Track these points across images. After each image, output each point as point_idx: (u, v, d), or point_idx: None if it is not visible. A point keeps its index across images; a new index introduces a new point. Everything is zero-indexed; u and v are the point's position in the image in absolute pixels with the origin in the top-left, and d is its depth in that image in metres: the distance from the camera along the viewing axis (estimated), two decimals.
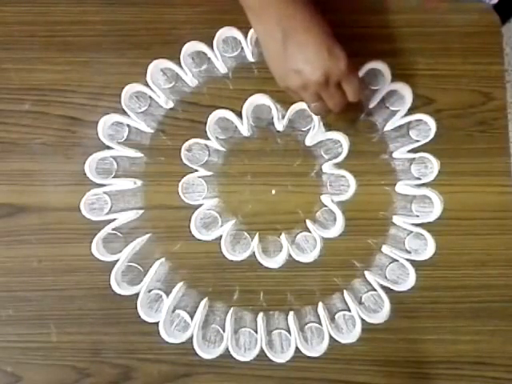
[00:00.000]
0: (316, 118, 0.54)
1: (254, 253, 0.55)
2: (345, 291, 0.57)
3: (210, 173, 0.57)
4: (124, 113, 0.57)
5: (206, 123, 0.55)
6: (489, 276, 0.57)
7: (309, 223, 0.57)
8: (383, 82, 0.56)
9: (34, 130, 0.58)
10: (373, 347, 0.56)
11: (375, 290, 0.56)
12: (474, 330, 0.57)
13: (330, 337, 0.55)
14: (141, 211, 0.57)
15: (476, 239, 0.57)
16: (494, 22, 0.60)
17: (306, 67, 0.46)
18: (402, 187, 0.57)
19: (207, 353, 0.53)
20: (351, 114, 0.58)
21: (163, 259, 0.57)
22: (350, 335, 0.55)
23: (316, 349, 0.54)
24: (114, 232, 0.56)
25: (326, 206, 0.57)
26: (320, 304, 0.56)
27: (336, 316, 0.56)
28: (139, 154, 0.58)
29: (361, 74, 0.57)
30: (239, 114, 0.56)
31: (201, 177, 0.57)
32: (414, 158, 0.57)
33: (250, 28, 0.55)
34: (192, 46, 0.57)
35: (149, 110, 0.58)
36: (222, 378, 0.56)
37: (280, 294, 0.57)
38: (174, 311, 0.56)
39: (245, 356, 0.54)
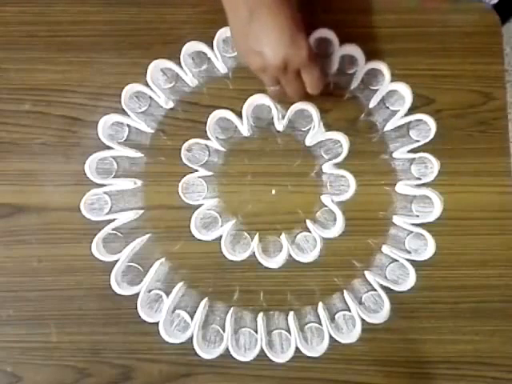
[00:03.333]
0: (316, 119, 0.54)
1: (254, 253, 0.55)
2: (345, 291, 0.57)
3: (210, 173, 0.57)
4: (124, 113, 0.57)
5: (206, 123, 0.55)
6: (489, 276, 0.57)
7: (309, 223, 0.57)
8: (383, 82, 0.56)
9: (34, 130, 0.58)
10: (373, 347, 0.56)
11: (375, 290, 0.56)
12: (473, 330, 0.57)
13: (330, 337, 0.55)
14: (141, 211, 0.57)
15: (476, 239, 0.57)
16: (494, 22, 0.60)
17: (267, 50, 0.46)
18: (402, 187, 0.57)
19: (207, 353, 0.53)
20: (351, 114, 0.58)
21: (163, 259, 0.57)
22: (350, 335, 0.55)
23: (316, 349, 0.54)
24: (114, 232, 0.56)
25: (326, 206, 0.57)
26: (320, 304, 0.56)
27: (336, 316, 0.56)
28: (139, 154, 0.58)
29: (361, 73, 0.57)
30: (239, 114, 0.56)
31: (201, 177, 0.57)
32: (414, 158, 0.57)
33: None
34: (192, 46, 0.57)
35: (149, 110, 0.58)
36: (222, 378, 0.56)
37: (280, 294, 0.57)
38: (174, 311, 0.56)
39: (245, 356, 0.54)
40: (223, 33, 0.56)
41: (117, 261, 0.55)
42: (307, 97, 0.52)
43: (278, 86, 0.50)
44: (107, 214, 0.56)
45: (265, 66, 0.47)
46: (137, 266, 0.57)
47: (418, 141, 0.57)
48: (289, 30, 0.46)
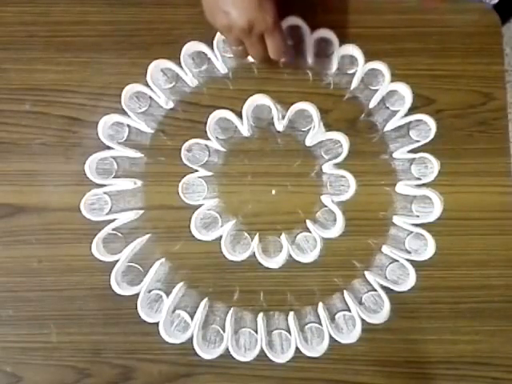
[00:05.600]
0: (316, 119, 0.54)
1: (254, 253, 0.55)
2: (345, 291, 0.57)
3: (210, 173, 0.57)
4: (124, 113, 0.57)
5: (206, 123, 0.55)
6: (489, 276, 0.57)
7: (309, 223, 0.57)
8: (383, 82, 0.56)
9: (34, 131, 0.58)
10: (373, 347, 0.56)
11: (375, 290, 0.56)
12: (473, 330, 0.57)
13: (330, 337, 0.55)
14: (141, 211, 0.57)
15: (476, 239, 0.57)
16: (494, 22, 0.60)
17: (233, 11, 0.48)
18: (402, 187, 0.57)
19: (207, 353, 0.53)
20: (351, 114, 0.58)
21: (163, 259, 0.57)
22: (350, 335, 0.55)
23: (316, 349, 0.54)
24: (114, 232, 0.56)
25: (326, 206, 0.57)
26: (320, 304, 0.56)
27: (336, 316, 0.56)
28: (139, 155, 0.58)
29: (361, 73, 0.57)
30: (239, 114, 0.56)
31: (201, 177, 0.57)
32: (414, 158, 0.57)
33: None
34: (192, 46, 0.57)
35: (149, 110, 0.58)
36: (222, 379, 0.56)
37: (280, 294, 0.57)
38: (174, 311, 0.56)
39: (245, 356, 0.54)
40: None
41: (117, 261, 0.55)
42: (269, 61, 0.53)
43: (242, 46, 0.52)
44: (107, 214, 0.56)
45: (230, 26, 0.49)
46: (137, 266, 0.57)
47: (418, 141, 0.57)
48: None
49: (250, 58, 0.56)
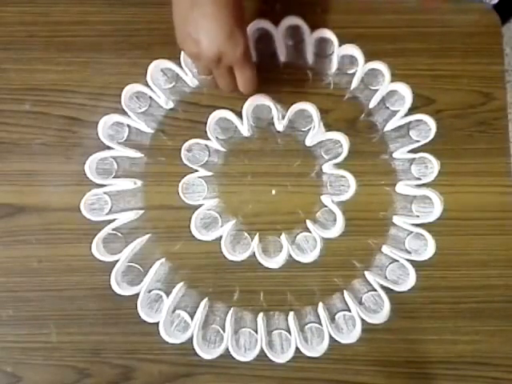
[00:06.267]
0: (316, 119, 0.54)
1: (254, 253, 0.55)
2: (345, 291, 0.57)
3: (210, 173, 0.57)
4: (124, 113, 0.57)
5: (206, 123, 0.55)
6: (489, 276, 0.57)
7: (309, 223, 0.57)
8: (383, 82, 0.56)
9: (34, 131, 0.58)
10: (373, 347, 0.56)
11: (375, 290, 0.56)
12: (473, 330, 0.57)
13: (330, 337, 0.55)
14: (141, 211, 0.57)
15: (476, 239, 0.57)
16: (494, 22, 0.60)
17: (203, 40, 0.46)
18: (402, 187, 0.57)
19: (207, 353, 0.53)
20: (351, 114, 0.58)
21: (163, 259, 0.57)
22: (350, 335, 0.55)
23: (316, 349, 0.54)
24: (114, 232, 0.56)
25: (326, 207, 0.57)
26: (320, 304, 0.56)
27: (336, 316, 0.56)
28: (139, 155, 0.58)
29: (361, 73, 0.57)
30: (239, 114, 0.56)
31: (201, 177, 0.57)
32: (414, 158, 0.57)
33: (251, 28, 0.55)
34: None
35: (149, 110, 0.58)
36: (222, 379, 0.56)
37: (280, 294, 0.57)
38: (174, 311, 0.56)
39: (245, 356, 0.54)
40: None
41: (117, 261, 0.55)
42: (238, 92, 0.52)
43: (211, 76, 0.51)
44: (107, 214, 0.56)
45: (199, 55, 0.47)
46: (137, 266, 0.57)
47: (418, 141, 0.57)
48: (228, 25, 0.46)
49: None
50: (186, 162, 0.56)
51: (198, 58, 0.48)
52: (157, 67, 0.56)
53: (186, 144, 0.56)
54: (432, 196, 0.56)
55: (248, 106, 0.55)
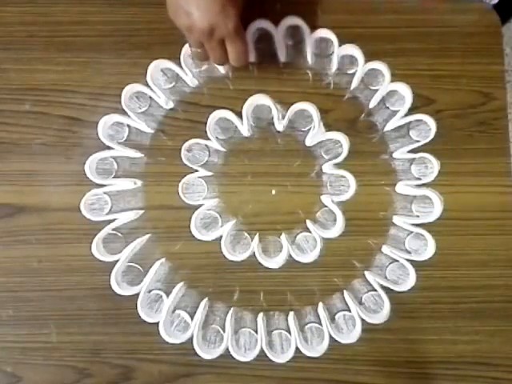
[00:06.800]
0: (316, 119, 0.54)
1: (254, 253, 0.55)
2: (345, 291, 0.57)
3: (210, 173, 0.57)
4: (124, 113, 0.57)
5: (206, 123, 0.55)
6: (489, 276, 0.57)
7: (309, 223, 0.57)
8: (383, 82, 0.56)
9: (34, 131, 0.58)
10: (373, 347, 0.56)
11: (375, 290, 0.56)
12: (473, 330, 0.57)
13: (330, 337, 0.55)
14: (141, 211, 0.57)
15: (476, 239, 0.57)
16: (494, 22, 0.60)
17: (195, 12, 0.47)
18: (402, 187, 0.57)
19: (207, 353, 0.53)
20: (351, 114, 0.58)
21: (163, 259, 0.57)
22: (350, 335, 0.55)
23: (316, 349, 0.54)
24: (114, 232, 0.56)
25: (326, 207, 0.57)
26: (320, 304, 0.56)
27: (336, 316, 0.56)
28: (139, 155, 0.58)
29: (361, 73, 0.57)
30: (239, 114, 0.56)
31: (201, 177, 0.57)
32: (414, 158, 0.57)
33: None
34: None
35: (149, 110, 0.58)
36: (222, 379, 0.56)
37: (280, 294, 0.57)
38: (174, 311, 0.56)
39: (245, 356, 0.54)
40: None
41: (117, 261, 0.55)
42: (230, 65, 0.53)
43: (202, 49, 0.51)
44: (107, 214, 0.56)
45: (191, 27, 0.48)
46: (137, 266, 0.57)
47: (418, 141, 0.57)
48: None
49: (220, 69, 0.56)
50: (186, 161, 0.56)
51: (190, 31, 0.48)
52: (157, 67, 0.56)
53: (186, 144, 0.56)
54: (432, 196, 0.56)
55: (248, 106, 0.55)
